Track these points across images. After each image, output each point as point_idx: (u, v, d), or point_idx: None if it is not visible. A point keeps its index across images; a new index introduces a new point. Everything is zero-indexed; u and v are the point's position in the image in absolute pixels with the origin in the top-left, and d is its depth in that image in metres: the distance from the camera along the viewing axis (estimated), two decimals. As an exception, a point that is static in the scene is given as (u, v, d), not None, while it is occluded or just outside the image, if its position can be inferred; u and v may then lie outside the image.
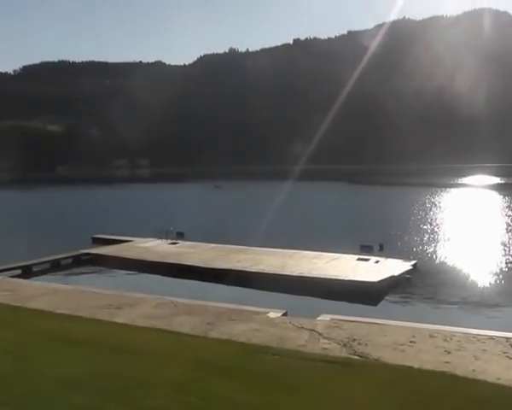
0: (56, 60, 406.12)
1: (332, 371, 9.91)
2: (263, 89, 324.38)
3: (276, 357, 10.83)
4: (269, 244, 31.01)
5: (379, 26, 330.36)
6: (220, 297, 19.12)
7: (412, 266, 25.59)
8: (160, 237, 35.16)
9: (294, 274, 23.85)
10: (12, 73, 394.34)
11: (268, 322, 15.09)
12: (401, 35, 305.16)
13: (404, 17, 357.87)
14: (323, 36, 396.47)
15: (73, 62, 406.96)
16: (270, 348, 11.63)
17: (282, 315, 16.15)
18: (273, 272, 24.38)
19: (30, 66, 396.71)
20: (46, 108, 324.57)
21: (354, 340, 12.85)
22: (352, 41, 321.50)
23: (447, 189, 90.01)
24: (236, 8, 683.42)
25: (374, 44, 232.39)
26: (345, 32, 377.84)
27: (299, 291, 21.55)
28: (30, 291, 20.96)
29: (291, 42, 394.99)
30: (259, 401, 8.15)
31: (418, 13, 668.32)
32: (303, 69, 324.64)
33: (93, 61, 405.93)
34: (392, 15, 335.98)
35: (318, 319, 15.47)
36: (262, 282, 23.20)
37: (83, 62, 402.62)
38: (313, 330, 13.84)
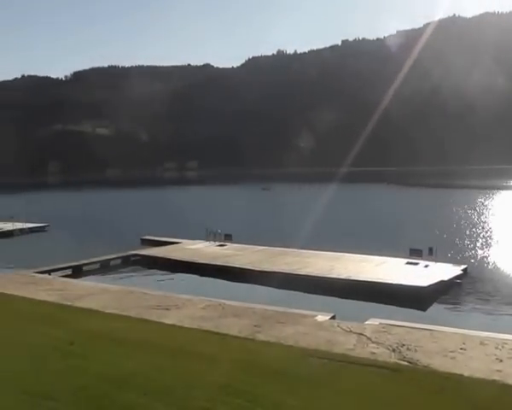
0: (106, 65, 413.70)
1: (381, 377, 9.73)
2: (310, 90, 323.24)
3: (324, 361, 10.71)
4: (316, 247, 30.95)
5: (428, 25, 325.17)
6: (268, 300, 19.14)
7: (462, 270, 25.11)
8: (208, 239, 35.45)
9: (342, 277, 23.71)
10: (63, 79, 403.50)
11: (316, 325, 15.03)
12: (450, 33, 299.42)
13: (454, 14, 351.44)
14: (372, 36, 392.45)
15: (122, 67, 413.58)
16: (319, 352, 11.51)
17: (330, 318, 16.06)
18: (321, 275, 24.29)
19: (80, 71, 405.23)
20: (96, 112, 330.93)
21: (403, 345, 12.63)
22: (400, 40, 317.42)
23: (496, 191, 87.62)
24: (284, 11, 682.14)
25: (421, 43, 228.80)
26: (394, 32, 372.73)
27: (347, 295, 21.41)
28: (80, 291, 21.38)
29: (339, 43, 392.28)
30: (307, 406, 8.03)
31: (468, 10, 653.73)
32: (351, 70, 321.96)
33: (142, 66, 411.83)
34: (441, 13, 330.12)
35: (367, 323, 15.34)
36: (310, 285, 23.16)
37: (132, 67, 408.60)
38: (361, 335, 13.70)
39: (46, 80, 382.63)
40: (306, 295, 22.05)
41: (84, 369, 9.75)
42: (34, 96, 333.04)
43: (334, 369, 10.22)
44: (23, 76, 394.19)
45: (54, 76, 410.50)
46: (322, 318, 15.87)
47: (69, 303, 17.89)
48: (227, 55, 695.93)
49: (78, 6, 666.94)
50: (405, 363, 11.28)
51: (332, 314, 16.28)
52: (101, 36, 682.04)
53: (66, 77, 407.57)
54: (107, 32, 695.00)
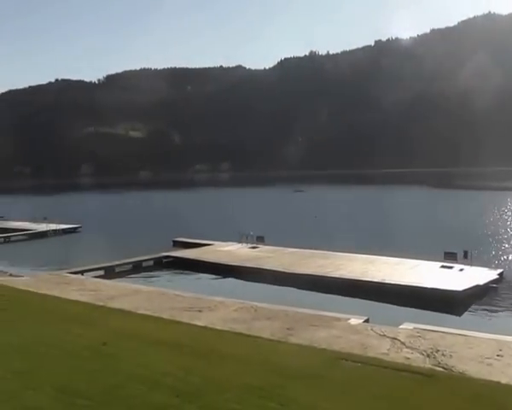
0: (138, 68, 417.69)
1: (416, 383, 9.56)
2: (343, 91, 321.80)
3: (357, 364, 10.58)
4: (350, 249, 30.75)
5: (463, 23, 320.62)
6: (300, 302, 19.08)
7: (498, 275, 24.58)
8: (240, 241, 35.50)
9: (376, 280, 23.50)
10: (96, 82, 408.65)
11: (349, 328, 14.89)
12: (485, 31, 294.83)
13: (490, 12, 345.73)
14: (405, 36, 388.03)
15: (155, 69, 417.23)
16: (352, 356, 11.37)
17: (364, 322, 15.92)
18: (354, 278, 24.12)
19: (113, 75, 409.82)
20: (129, 115, 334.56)
21: (438, 351, 12.39)
22: (434, 40, 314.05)
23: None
24: (317, 12, 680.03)
25: (455, 43, 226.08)
26: (427, 31, 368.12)
27: (381, 298, 21.21)
28: (112, 291, 21.54)
29: (372, 43, 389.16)
30: (340, 410, 8.00)
31: (504, 8, 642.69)
32: (385, 70, 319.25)
33: (174, 68, 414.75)
34: (477, 11, 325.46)
35: (401, 327, 15.15)
36: (343, 287, 23.02)
37: (164, 69, 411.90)
38: (395, 339, 13.52)
39: (79, 83, 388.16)
40: (339, 297, 21.92)
41: (116, 369, 9.84)
42: (67, 99, 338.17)
43: (368, 373, 10.09)
44: (56, 80, 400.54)
45: (87, 79, 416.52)
46: (355, 321, 15.74)
47: (102, 304, 18.01)
48: (259, 56, 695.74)
49: (109, 8, 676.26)
50: (440, 369, 11.05)
51: (365, 318, 16.13)
52: (134, 38, 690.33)
53: (99, 80, 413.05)
54: (139, 34, 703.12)
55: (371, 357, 11.52)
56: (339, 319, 15.98)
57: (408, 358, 11.86)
